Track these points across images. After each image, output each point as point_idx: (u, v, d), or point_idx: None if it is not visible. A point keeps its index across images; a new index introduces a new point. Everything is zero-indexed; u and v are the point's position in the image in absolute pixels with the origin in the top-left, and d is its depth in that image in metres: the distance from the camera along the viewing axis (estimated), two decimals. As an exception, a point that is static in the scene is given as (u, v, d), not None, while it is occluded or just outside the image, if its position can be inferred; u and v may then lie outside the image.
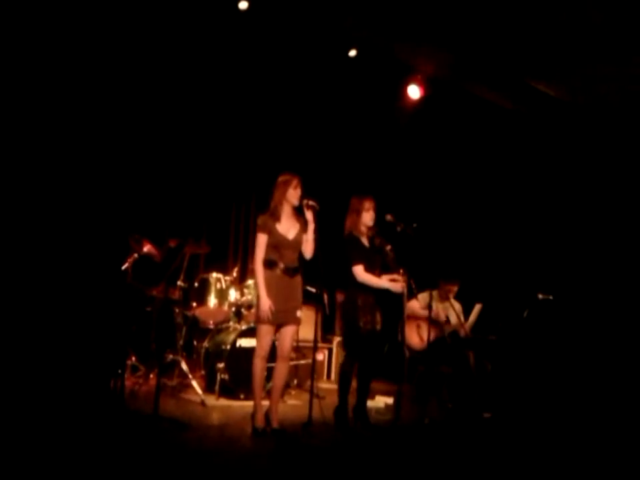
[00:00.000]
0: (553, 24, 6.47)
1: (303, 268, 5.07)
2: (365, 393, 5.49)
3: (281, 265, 4.92)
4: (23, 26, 5.37)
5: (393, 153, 8.72)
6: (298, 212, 5.05)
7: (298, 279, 5.05)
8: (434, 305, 6.55)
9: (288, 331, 4.99)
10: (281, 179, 5.02)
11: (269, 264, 4.92)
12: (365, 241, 5.48)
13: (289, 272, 4.97)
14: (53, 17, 5.52)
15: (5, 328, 4.97)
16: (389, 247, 5.44)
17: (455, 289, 6.74)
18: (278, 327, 4.97)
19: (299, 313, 5.01)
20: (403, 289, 5.37)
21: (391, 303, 5.63)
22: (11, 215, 5.22)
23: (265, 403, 5.02)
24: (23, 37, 5.37)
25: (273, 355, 5.14)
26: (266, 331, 4.89)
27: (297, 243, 5.00)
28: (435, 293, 6.61)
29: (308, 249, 5.01)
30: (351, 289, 5.39)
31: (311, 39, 7.02)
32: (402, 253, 5.52)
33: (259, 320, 4.90)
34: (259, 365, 4.91)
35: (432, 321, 5.92)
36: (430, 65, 7.68)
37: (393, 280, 5.41)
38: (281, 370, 5.01)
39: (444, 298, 6.70)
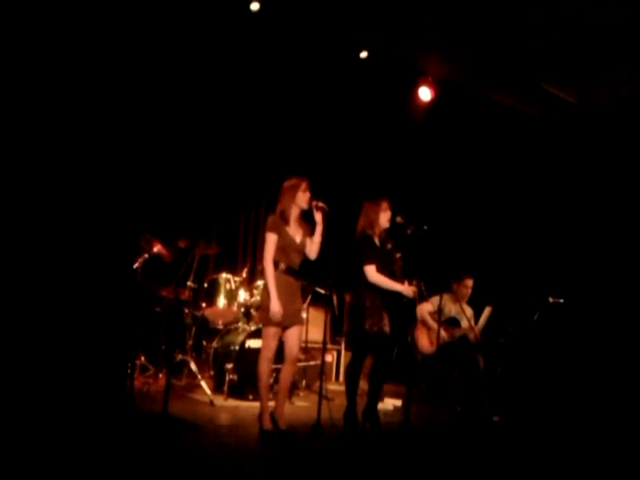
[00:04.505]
0: (566, 26, 6.44)
1: (314, 272, 5.08)
2: (377, 396, 5.46)
3: (287, 267, 4.93)
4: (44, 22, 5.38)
5: (404, 155, 8.70)
6: (303, 216, 5.06)
7: (300, 282, 5.07)
8: (447, 306, 6.55)
9: (295, 333, 4.98)
10: (288, 183, 5.02)
11: (275, 264, 4.93)
12: (377, 241, 5.47)
13: (294, 273, 4.98)
14: (63, 17, 5.53)
15: (14, 326, 4.98)
16: (398, 255, 5.43)
17: (471, 282, 6.71)
18: (284, 328, 4.98)
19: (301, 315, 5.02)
20: (415, 294, 5.36)
21: (401, 306, 5.62)
22: (22, 216, 5.24)
23: (272, 404, 5.03)
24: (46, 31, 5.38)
25: (279, 355, 5.14)
26: (273, 333, 4.90)
27: (303, 247, 5.02)
28: (446, 295, 6.59)
29: (313, 250, 5.03)
30: (358, 289, 5.37)
31: (321, 41, 7.01)
32: (412, 254, 5.51)
33: (267, 322, 4.90)
34: (265, 367, 4.91)
35: (443, 324, 5.92)
36: (441, 67, 7.66)
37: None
38: (289, 372, 5.01)
39: (457, 298, 6.68)
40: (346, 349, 5.59)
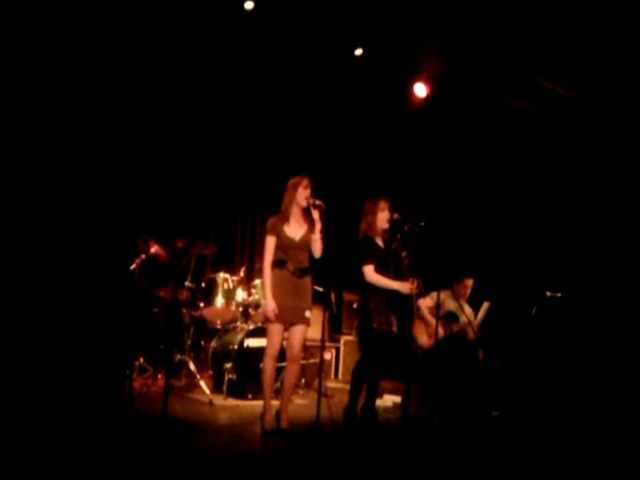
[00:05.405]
0: (559, 20, 6.44)
1: (312, 270, 5.07)
2: (374, 393, 5.48)
3: (290, 265, 4.94)
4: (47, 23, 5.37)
5: (401, 151, 8.70)
6: (307, 213, 5.06)
7: (307, 280, 5.05)
8: (446, 303, 6.56)
9: (297, 331, 4.98)
10: (291, 181, 5.05)
11: (278, 263, 4.95)
12: (380, 241, 5.48)
13: (297, 272, 4.98)
14: (59, 17, 5.53)
15: (13, 328, 4.98)
16: (404, 253, 5.44)
17: (470, 282, 6.73)
18: (287, 326, 4.98)
19: (307, 314, 5.00)
20: (412, 291, 5.37)
21: (401, 303, 5.63)
22: (20, 218, 5.24)
23: (274, 402, 5.03)
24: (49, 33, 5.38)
25: (281, 354, 5.14)
26: (275, 330, 4.91)
27: (304, 244, 5.02)
28: (445, 292, 6.61)
29: (316, 248, 5.02)
30: (364, 290, 5.39)
31: (316, 39, 7.01)
32: (410, 251, 5.51)
33: (266, 319, 4.92)
34: (269, 365, 4.93)
35: (442, 318, 5.94)
36: (436, 62, 7.65)
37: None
38: (292, 370, 5.01)
39: (457, 297, 6.69)
40: (359, 351, 5.58)
